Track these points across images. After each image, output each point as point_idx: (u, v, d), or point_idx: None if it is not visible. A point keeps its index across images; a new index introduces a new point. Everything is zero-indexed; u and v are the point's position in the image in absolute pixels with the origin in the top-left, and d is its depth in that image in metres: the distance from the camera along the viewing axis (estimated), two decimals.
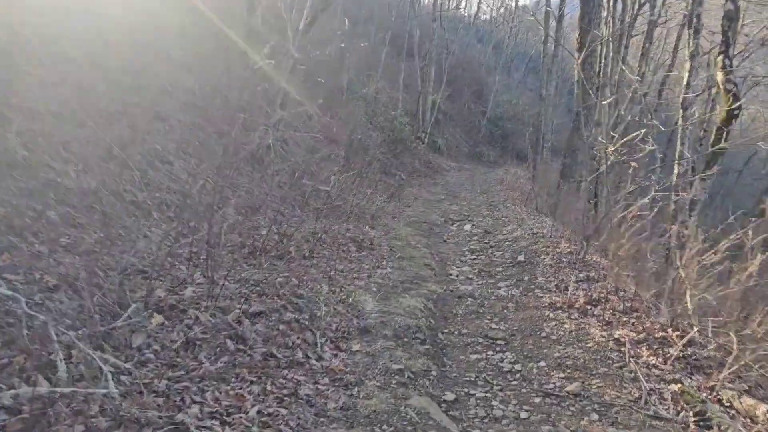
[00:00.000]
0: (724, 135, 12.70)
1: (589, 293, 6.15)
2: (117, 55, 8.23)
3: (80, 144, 6.05)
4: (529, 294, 6.54)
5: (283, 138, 10.56)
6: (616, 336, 5.15)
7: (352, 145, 14.86)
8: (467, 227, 10.78)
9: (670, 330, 5.20)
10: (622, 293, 6.06)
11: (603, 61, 14.46)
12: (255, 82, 9.99)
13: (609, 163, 8.34)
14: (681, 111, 9.37)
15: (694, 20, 8.58)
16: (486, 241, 9.49)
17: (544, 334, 5.37)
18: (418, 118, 21.72)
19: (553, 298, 6.23)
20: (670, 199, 8.39)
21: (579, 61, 15.43)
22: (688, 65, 8.59)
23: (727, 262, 7.00)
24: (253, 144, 8.53)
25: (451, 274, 7.40)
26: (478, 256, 8.45)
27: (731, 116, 12.19)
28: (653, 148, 9.23)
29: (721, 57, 10.22)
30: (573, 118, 15.18)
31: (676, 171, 8.57)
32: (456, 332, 5.53)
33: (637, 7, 18.17)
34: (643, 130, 7.61)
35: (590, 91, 15.20)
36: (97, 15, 8.17)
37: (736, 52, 20.80)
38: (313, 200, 9.25)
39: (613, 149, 7.15)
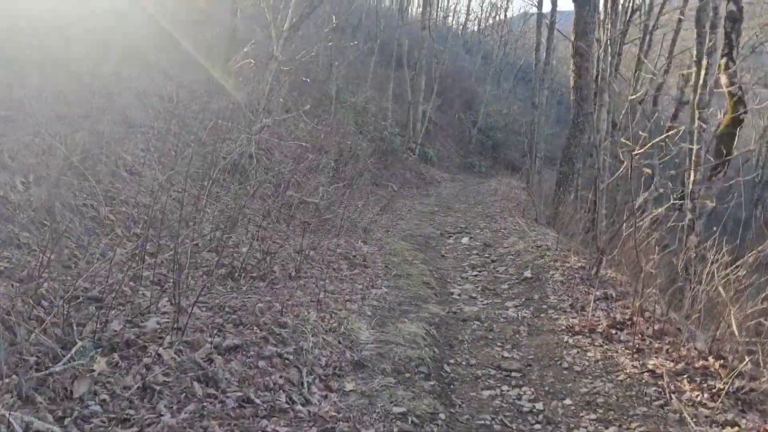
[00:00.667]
0: (732, 141, 12.04)
1: (611, 314, 5.42)
2: (85, 58, 7.48)
3: (32, 153, 5.27)
4: (542, 315, 5.80)
5: (268, 147, 9.82)
6: (650, 366, 4.42)
7: (342, 155, 14.14)
8: (465, 240, 10.05)
9: (711, 358, 4.47)
10: (649, 314, 5.34)
11: (601, 65, 13.90)
12: (237, 87, 9.26)
13: (633, 166, 7.61)
14: (697, 112, 8.75)
15: (711, 14, 7.96)
16: (487, 255, 8.76)
17: (565, 365, 4.63)
18: (408, 128, 21.06)
19: (570, 320, 5.50)
20: (687, 208, 7.73)
21: (573, 67, 14.79)
22: (704, 62, 7.96)
23: (755, 276, 6.34)
24: (233, 153, 7.77)
25: (452, 293, 6.65)
26: (480, 272, 7.71)
27: (737, 121, 11.59)
28: (686, 147, 8.55)
29: (724, 60, 9.61)
30: (569, 126, 14.52)
31: (692, 177, 7.92)
32: (464, 363, 4.78)
33: (629, 12, 17.66)
34: (677, 130, 6.95)
35: (588, 97, 14.56)
36: (61, 14, 7.43)
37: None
38: (300, 213, 8.50)
39: (641, 151, 6.41)
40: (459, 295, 6.60)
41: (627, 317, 5.31)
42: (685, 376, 4.26)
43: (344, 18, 24.91)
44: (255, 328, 4.30)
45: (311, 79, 16.83)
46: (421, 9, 22.86)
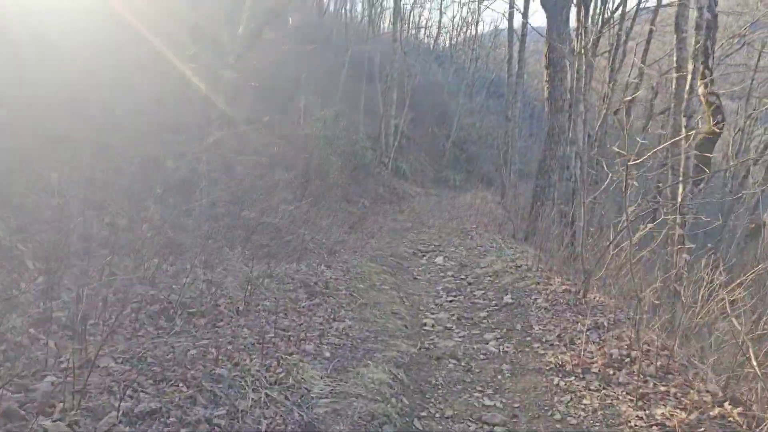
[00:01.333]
0: (711, 151, 11.42)
1: (606, 349, 4.66)
2: (15, 66, 6.59)
3: None
4: (527, 350, 5.02)
5: (227, 162, 8.97)
6: (658, 417, 3.66)
7: (309, 171, 13.32)
8: (439, 260, 9.28)
9: (727, 404, 3.73)
10: (648, 347, 4.59)
11: (576, 74, 13.33)
12: (190, 98, 8.41)
13: (627, 179, 6.92)
14: (684, 119, 8.13)
15: (696, 15, 7.37)
16: (462, 276, 7.99)
17: (557, 416, 3.84)
18: (380, 142, 20.33)
19: (559, 355, 4.73)
20: (677, 223, 7.06)
21: (546, 77, 14.18)
22: (691, 65, 7.35)
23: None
24: (181, 170, 6.92)
25: (425, 325, 5.84)
26: (455, 297, 6.92)
27: (715, 132, 10.97)
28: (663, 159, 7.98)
29: (701, 67, 9.03)
30: (544, 138, 13.89)
31: (681, 189, 7.27)
32: (438, 415, 3.96)
33: (601, 23, 17.18)
34: (672, 140, 6.28)
35: (562, 108, 13.96)
36: None
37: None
38: (258, 235, 7.65)
39: (638, 161, 5.69)
40: (432, 326, 5.80)
41: (624, 352, 4.55)
42: (700, 431, 3.50)
43: (314, 32, 24.23)
44: (181, 384, 3.44)
45: (279, 91, 16.04)
46: (392, 24, 22.27)
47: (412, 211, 16.31)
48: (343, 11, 23.43)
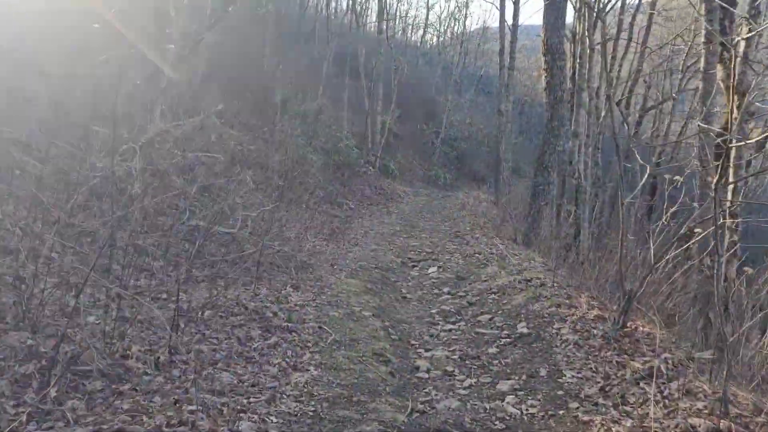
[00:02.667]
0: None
1: (679, 418, 3.15)
2: None
3: None
4: (561, 412, 3.51)
5: (178, 161, 7.39)
6: None
7: (287, 172, 11.76)
8: (433, 271, 7.77)
9: None
10: (738, 413, 3.10)
11: (578, 61, 11.86)
12: (129, 82, 6.84)
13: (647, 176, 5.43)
14: (702, 107, 6.71)
15: None
16: (462, 293, 6.48)
17: None
18: (367, 140, 18.80)
19: (610, 424, 3.22)
20: (728, 227, 5.59)
21: (544, 66, 12.65)
22: (744, 28, 5.89)
23: None
24: (105, 170, 5.34)
25: (418, 368, 4.31)
26: (455, 323, 5.40)
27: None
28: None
29: (719, 49, 7.60)
30: (543, 132, 12.34)
31: (733, 186, 5.80)
32: None
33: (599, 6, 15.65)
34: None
35: (562, 99, 12.44)
36: None
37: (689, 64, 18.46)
38: (214, 249, 6.10)
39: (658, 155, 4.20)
40: (428, 370, 4.27)
41: (710, 424, 3.05)
42: None
43: (295, 25, 22.66)
44: None
45: (253, 86, 14.47)
46: (377, 17, 20.70)
47: (401, 213, 14.79)
48: (324, 3, 21.80)
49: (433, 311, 5.79)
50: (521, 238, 11.03)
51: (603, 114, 11.78)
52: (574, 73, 12.44)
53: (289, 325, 4.57)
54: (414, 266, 8.18)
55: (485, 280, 6.93)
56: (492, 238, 10.55)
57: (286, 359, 4.00)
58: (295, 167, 12.24)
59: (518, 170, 24.66)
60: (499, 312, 5.52)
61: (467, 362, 4.39)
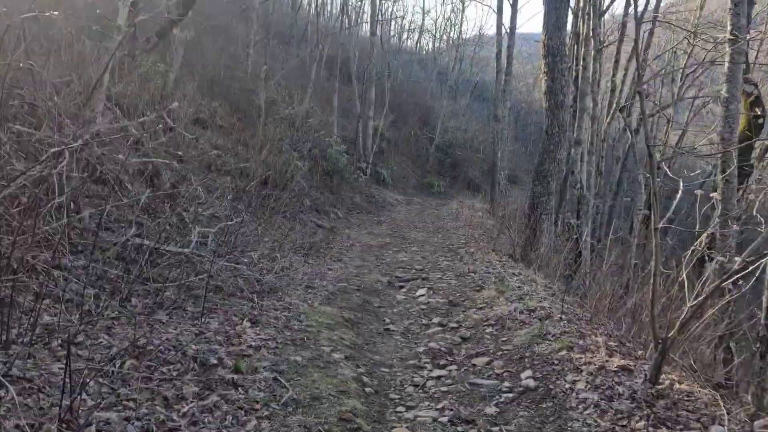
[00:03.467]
0: (750, 149, 9.32)
1: None
2: None
3: None
4: None
5: (137, 165, 6.38)
6: None
7: (267, 179, 10.77)
8: (421, 294, 6.78)
9: None
10: None
11: (582, 63, 10.91)
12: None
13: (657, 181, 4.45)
14: (723, 109, 5.88)
15: None
16: (454, 324, 5.48)
17: None
18: (358, 145, 17.84)
19: None
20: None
21: (545, 69, 11.66)
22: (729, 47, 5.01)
23: None
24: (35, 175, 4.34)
25: None
26: (445, 368, 4.39)
27: (754, 125, 8.83)
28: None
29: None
30: (542, 139, 11.35)
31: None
32: None
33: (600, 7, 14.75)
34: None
35: (563, 104, 11.47)
36: None
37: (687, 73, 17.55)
38: (161, 271, 5.09)
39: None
40: None
41: None
42: None
43: (288, 28, 21.73)
44: None
45: (236, 88, 13.49)
46: (369, 17, 19.72)
47: (392, 222, 13.82)
48: (318, 3, 20.82)
49: (420, 350, 4.78)
50: (519, 253, 10.05)
51: (608, 120, 10.86)
52: (576, 77, 11.51)
53: (236, 377, 3.56)
54: (401, 287, 7.18)
55: (481, 307, 5.94)
56: (488, 253, 9.57)
57: (224, 429, 3.00)
58: (278, 174, 11.25)
59: (514, 178, 23.74)
60: (499, 353, 4.53)
61: (459, 429, 3.39)
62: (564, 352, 4.19)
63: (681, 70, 19.67)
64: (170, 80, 10.38)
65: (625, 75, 15.84)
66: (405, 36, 34.94)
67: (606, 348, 4.12)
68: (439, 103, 24.63)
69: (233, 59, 14.26)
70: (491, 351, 4.60)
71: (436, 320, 5.60)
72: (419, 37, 35.79)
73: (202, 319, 4.40)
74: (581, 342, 4.32)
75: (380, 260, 8.99)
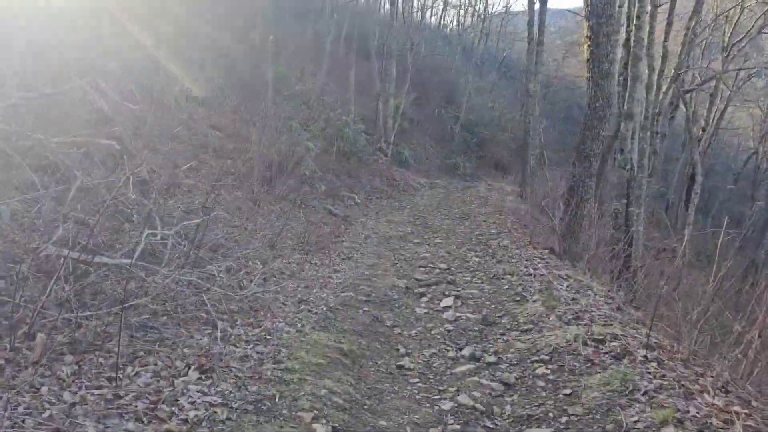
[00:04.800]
0: None
1: None
2: None
3: None
4: None
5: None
6: None
7: (272, 162, 9.28)
8: (447, 306, 5.23)
9: None
10: None
11: (635, 23, 9.05)
12: None
13: None
14: None
15: None
16: (491, 358, 3.93)
17: None
18: (378, 125, 16.21)
19: None
20: None
21: (588, 33, 9.75)
22: None
23: None
24: None
25: None
26: None
27: None
28: None
29: None
30: (584, 113, 9.52)
31: None
32: None
33: None
34: None
35: (609, 73, 9.61)
36: None
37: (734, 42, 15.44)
38: (105, 292, 3.64)
39: None
40: None
41: None
42: None
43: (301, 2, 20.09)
44: None
45: (242, 62, 11.97)
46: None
47: (414, 208, 12.24)
48: None
49: (446, 407, 3.25)
50: (561, 246, 8.40)
51: (665, 90, 9.08)
52: (627, 39, 9.66)
53: None
54: (422, 295, 5.63)
55: (526, 330, 4.38)
56: (524, 246, 7.96)
57: None
58: (283, 157, 9.75)
59: (544, 158, 21.87)
60: (563, 419, 2.97)
61: None
62: (667, 415, 2.62)
63: (727, 39, 17.52)
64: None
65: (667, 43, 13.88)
66: (429, 12, 32.94)
67: (738, 417, 2.53)
68: (465, 80, 22.76)
69: (239, 32, 12.73)
70: (551, 414, 3.04)
71: (467, 351, 4.06)
72: (443, 12, 33.74)
73: (126, 371, 2.94)
74: (692, 411, 2.73)
75: (398, 256, 7.46)
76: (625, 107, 9.05)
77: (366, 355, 3.93)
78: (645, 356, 3.42)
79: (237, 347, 3.54)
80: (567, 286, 5.44)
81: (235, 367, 3.22)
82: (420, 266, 6.89)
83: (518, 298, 5.26)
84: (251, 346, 3.60)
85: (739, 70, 20.25)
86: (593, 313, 4.45)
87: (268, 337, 3.78)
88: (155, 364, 3.07)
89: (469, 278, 6.27)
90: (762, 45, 26.36)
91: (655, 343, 3.64)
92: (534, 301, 5.00)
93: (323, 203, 10.74)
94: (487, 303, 5.29)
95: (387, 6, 22.08)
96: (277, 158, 9.34)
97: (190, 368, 3.08)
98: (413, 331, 4.56)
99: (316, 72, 13.38)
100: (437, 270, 6.70)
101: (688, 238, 8.63)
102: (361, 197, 12.55)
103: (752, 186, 26.30)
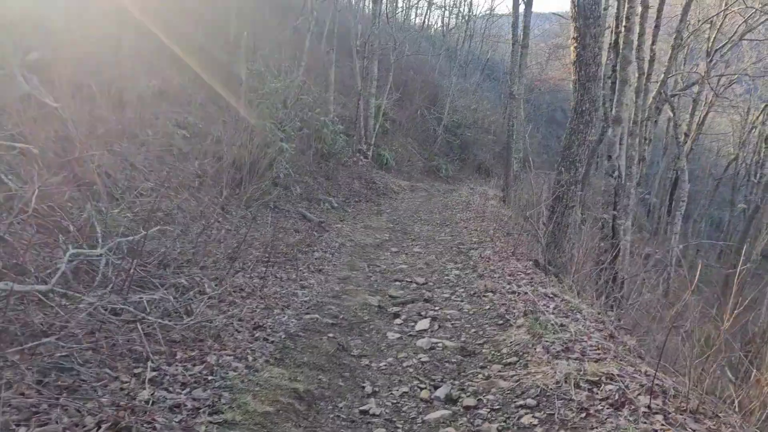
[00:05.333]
0: None
1: None
2: None
3: None
4: None
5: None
6: None
7: (242, 163, 8.67)
8: (423, 329, 4.67)
9: None
10: None
11: (624, 24, 8.56)
12: None
13: None
14: None
15: None
16: (470, 401, 3.37)
17: None
18: (358, 126, 15.61)
19: None
20: None
21: (574, 34, 9.30)
22: None
23: None
24: None
25: None
26: None
27: None
28: None
29: None
30: (570, 117, 9.03)
31: None
32: None
33: None
34: None
35: (596, 76, 9.19)
36: None
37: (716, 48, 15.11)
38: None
39: None
40: None
41: None
42: None
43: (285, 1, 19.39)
44: None
45: (214, 59, 11.31)
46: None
47: (393, 212, 11.70)
48: None
49: None
50: (545, 257, 7.90)
51: (654, 94, 8.59)
52: (615, 42, 9.18)
53: None
54: (395, 316, 5.07)
55: (510, 362, 3.84)
56: (507, 258, 7.45)
57: None
58: (258, 157, 9.13)
59: (526, 162, 21.46)
60: None
61: None
62: None
63: (710, 45, 17.24)
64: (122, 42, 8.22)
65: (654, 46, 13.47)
66: (413, 13, 32.38)
67: None
68: (448, 81, 22.26)
69: (215, 25, 12.06)
70: None
71: (442, 392, 3.50)
72: (428, 13, 33.20)
73: None
74: None
75: (373, 268, 6.89)
76: (613, 111, 8.57)
77: (325, 396, 3.36)
78: (648, 406, 2.89)
79: (170, 391, 2.95)
80: (554, 308, 4.92)
81: (160, 423, 2.62)
82: (396, 280, 6.33)
83: (501, 322, 4.72)
84: (187, 390, 3.00)
85: (721, 76, 20.03)
86: (584, 344, 3.92)
87: (210, 378, 3.19)
88: (58, 422, 2.46)
89: (448, 295, 5.72)
90: (742, 52, 26.24)
91: (657, 386, 3.12)
92: (518, 327, 4.46)
93: (297, 207, 10.15)
94: (467, 326, 4.75)
95: (370, 4, 21.46)
96: (248, 160, 8.71)
97: (101, 427, 2.48)
98: (383, 363, 3.99)
99: (294, 70, 12.73)
100: (414, 285, 6.15)
101: (676, 248, 8.19)
102: (339, 200, 11.97)
103: (732, 191, 26.20)
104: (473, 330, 4.65)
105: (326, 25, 17.19)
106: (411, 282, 6.26)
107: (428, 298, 5.60)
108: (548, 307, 4.97)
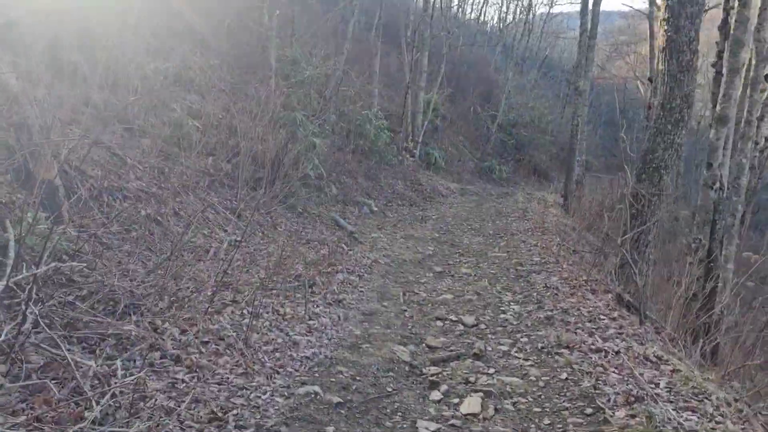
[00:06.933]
0: None
1: None
2: None
3: None
4: None
5: None
6: None
7: (267, 160, 7.25)
8: (470, 415, 3.09)
9: None
10: None
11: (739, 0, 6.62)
12: None
13: None
14: None
15: None
16: None
17: None
18: (405, 121, 14.03)
19: None
20: None
21: (665, 15, 7.26)
22: None
23: None
24: None
25: None
26: None
27: None
28: None
29: None
30: (655, 116, 7.06)
31: None
32: None
33: None
34: None
35: (690, 66, 7.17)
36: None
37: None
38: None
39: None
40: None
41: None
42: None
43: None
44: None
45: (246, 45, 9.96)
46: None
47: (439, 220, 10.07)
48: None
49: None
50: (626, 288, 6.09)
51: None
52: (724, 21, 7.19)
53: None
54: (433, 386, 3.48)
55: None
56: (578, 287, 5.72)
57: None
58: (284, 153, 7.71)
59: (587, 165, 19.37)
60: None
61: None
62: None
63: None
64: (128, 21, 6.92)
65: None
66: (468, 7, 30.49)
67: None
68: (504, 77, 20.36)
69: (248, 4, 10.70)
70: None
71: None
72: (483, 7, 31.18)
73: None
74: None
75: (410, 296, 5.33)
76: (718, 108, 6.67)
77: None
78: None
79: None
80: (667, 387, 3.23)
81: None
82: (437, 318, 4.74)
83: (590, 410, 3.07)
84: None
85: None
86: None
87: None
88: None
89: (506, 348, 4.09)
90: None
91: None
92: (621, 428, 2.80)
93: (331, 211, 8.68)
94: (537, 411, 3.12)
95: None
96: (271, 156, 7.29)
97: None
98: None
99: (327, 55, 11.25)
100: (460, 327, 4.54)
101: None
102: (379, 204, 10.45)
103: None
104: (547, 421, 3.02)
105: (374, 13, 15.70)
106: (457, 322, 4.65)
107: (480, 351, 3.98)
108: (657, 385, 3.28)
